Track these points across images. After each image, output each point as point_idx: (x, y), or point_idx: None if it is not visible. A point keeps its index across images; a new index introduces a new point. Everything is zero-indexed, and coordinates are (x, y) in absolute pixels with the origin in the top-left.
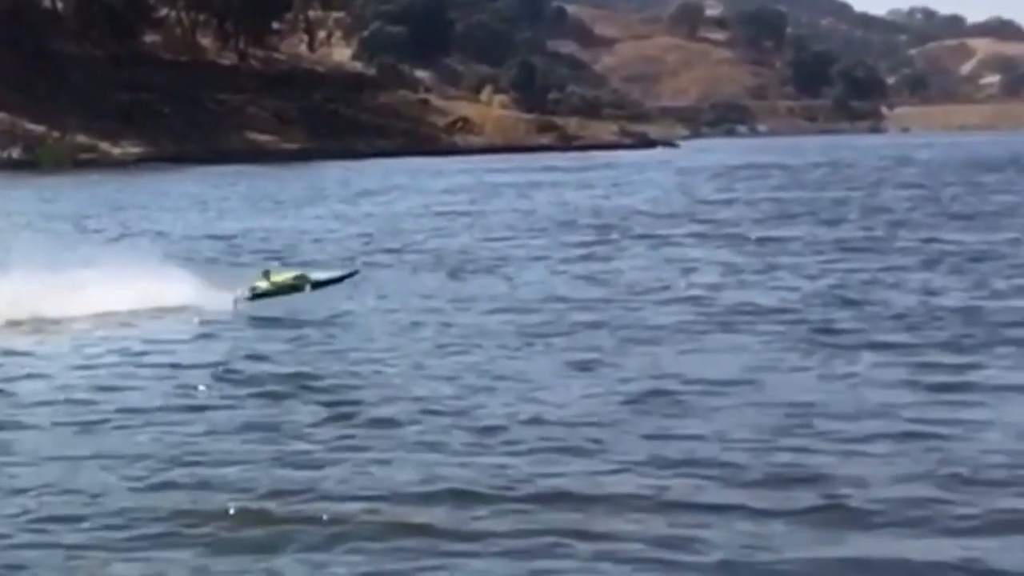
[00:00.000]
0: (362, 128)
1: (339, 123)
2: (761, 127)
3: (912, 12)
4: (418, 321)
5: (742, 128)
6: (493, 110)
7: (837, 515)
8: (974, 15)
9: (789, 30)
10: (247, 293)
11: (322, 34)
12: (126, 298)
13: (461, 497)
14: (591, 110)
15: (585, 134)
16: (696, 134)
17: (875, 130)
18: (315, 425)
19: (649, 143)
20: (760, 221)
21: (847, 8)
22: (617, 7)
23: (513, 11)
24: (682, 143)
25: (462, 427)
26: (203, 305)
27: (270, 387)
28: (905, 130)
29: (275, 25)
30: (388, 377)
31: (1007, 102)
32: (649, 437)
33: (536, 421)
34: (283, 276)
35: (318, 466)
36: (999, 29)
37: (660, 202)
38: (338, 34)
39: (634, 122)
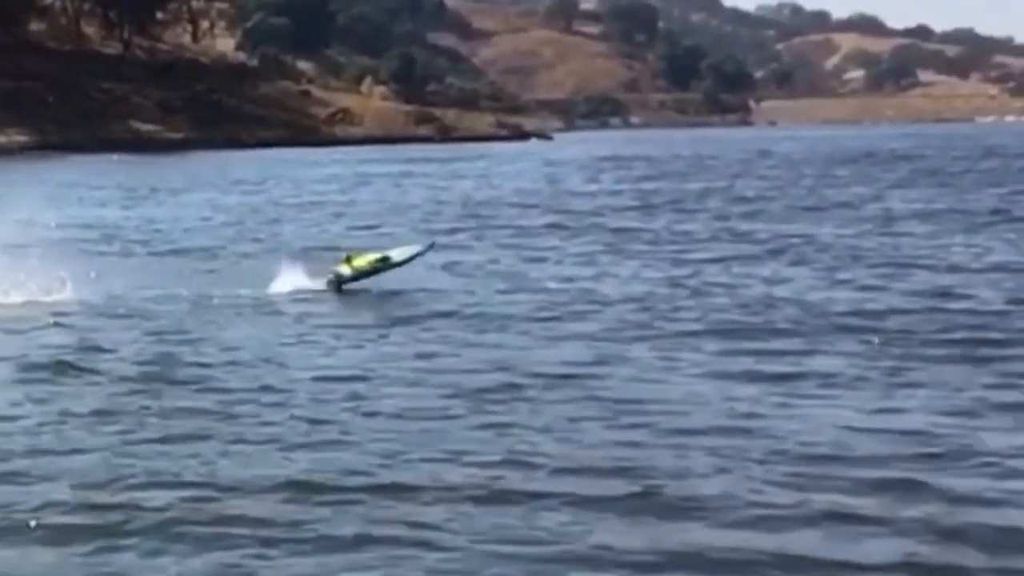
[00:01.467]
0: (245, 118)
1: (222, 113)
2: (634, 120)
3: (780, 7)
4: (277, 311)
5: (615, 121)
6: (373, 101)
7: (655, 505)
8: (839, 11)
9: (661, 24)
10: (334, 279)
11: (205, 24)
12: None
13: (296, 488)
14: (469, 102)
15: (462, 126)
16: (571, 126)
17: (744, 123)
18: (155, 415)
19: (524, 135)
20: (619, 211)
21: (717, 3)
22: (495, 0)
23: (393, 3)
24: (556, 135)
25: (302, 418)
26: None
27: (114, 377)
28: (772, 123)
29: (159, 15)
30: (235, 368)
31: (870, 96)
32: (484, 428)
33: (374, 413)
34: (365, 259)
35: (155, 456)
36: (863, 25)
37: (526, 193)
38: (221, 25)
39: (511, 114)
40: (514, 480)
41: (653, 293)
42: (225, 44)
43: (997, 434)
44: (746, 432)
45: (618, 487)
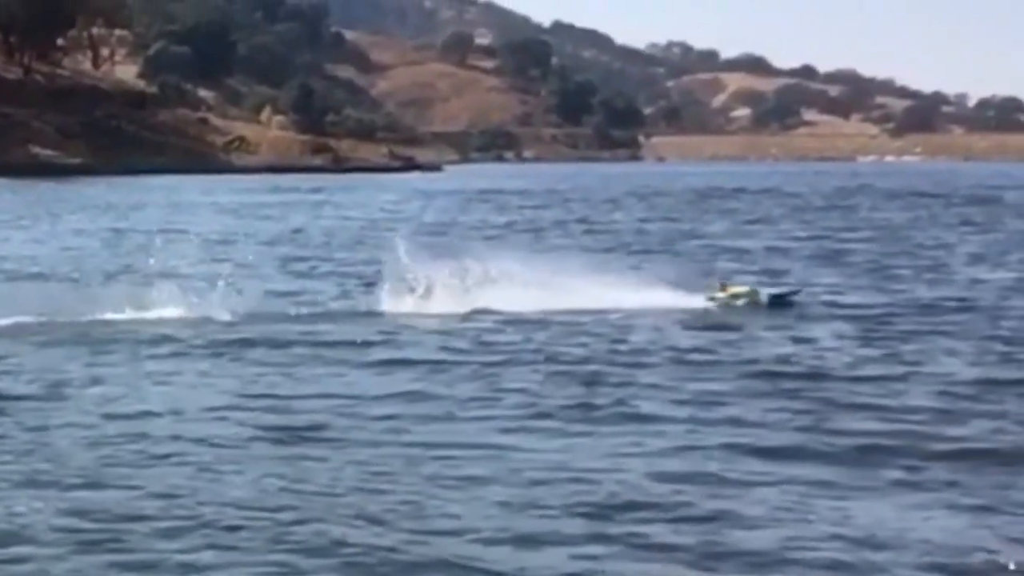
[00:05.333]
0: (142, 144)
1: (120, 139)
2: (527, 153)
3: (670, 46)
4: (117, 338)
5: (509, 154)
6: (270, 130)
7: (419, 560)
8: (727, 50)
9: (554, 60)
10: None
11: (106, 51)
12: None
13: (62, 532)
14: (366, 133)
15: (356, 156)
16: (466, 159)
17: (633, 158)
18: None
19: (414, 166)
20: (476, 241)
21: (609, 40)
22: (393, 34)
23: (294, 35)
24: (450, 167)
25: (89, 457)
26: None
27: None
28: (661, 159)
29: (60, 41)
30: (35, 401)
31: (756, 134)
32: (281, 465)
33: (167, 453)
34: (738, 289)
35: None
36: (750, 64)
37: (384, 224)
38: (123, 52)
39: (407, 146)
40: (287, 524)
41: (483, 327)
42: (127, 71)
43: (778, 483)
44: (542, 481)
45: (378, 538)
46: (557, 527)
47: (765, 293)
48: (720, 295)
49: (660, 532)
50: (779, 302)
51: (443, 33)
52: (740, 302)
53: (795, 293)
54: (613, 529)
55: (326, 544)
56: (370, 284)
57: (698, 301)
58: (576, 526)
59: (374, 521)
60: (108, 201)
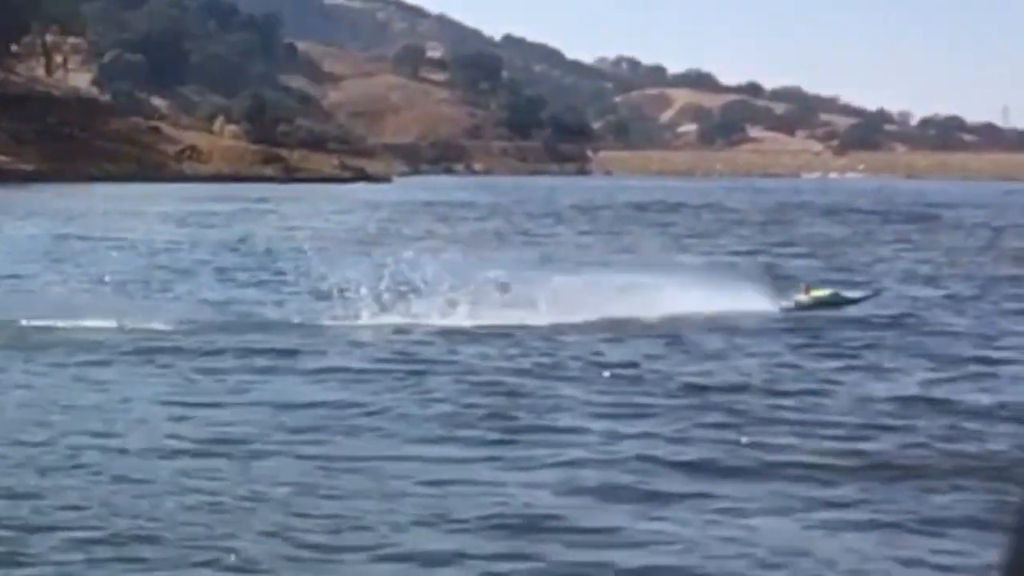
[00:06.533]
0: (95, 152)
1: (73, 146)
2: (477, 166)
3: (618, 61)
4: (41, 345)
5: (459, 167)
6: (222, 140)
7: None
8: (674, 66)
9: (504, 74)
10: (792, 304)
11: (60, 59)
12: None
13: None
14: (317, 143)
15: (306, 166)
16: (416, 170)
17: (582, 172)
18: None
19: (364, 177)
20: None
21: (558, 54)
22: (345, 45)
23: (247, 45)
24: (399, 179)
25: (25, 471)
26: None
27: None
28: (608, 173)
29: (14, 48)
30: None
31: (702, 149)
32: (194, 474)
33: (71, 464)
34: (820, 292)
35: None
36: (697, 80)
37: (326, 233)
38: (77, 59)
39: (357, 157)
40: (199, 538)
41: (425, 341)
42: (81, 79)
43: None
44: (456, 495)
45: (287, 553)
46: (469, 543)
47: (848, 294)
48: (804, 298)
49: (569, 548)
50: (858, 304)
51: (395, 45)
52: (824, 305)
53: (871, 296)
54: (524, 545)
55: (234, 560)
56: (309, 294)
57: (785, 304)
58: (488, 542)
59: (285, 537)
60: (56, 208)
